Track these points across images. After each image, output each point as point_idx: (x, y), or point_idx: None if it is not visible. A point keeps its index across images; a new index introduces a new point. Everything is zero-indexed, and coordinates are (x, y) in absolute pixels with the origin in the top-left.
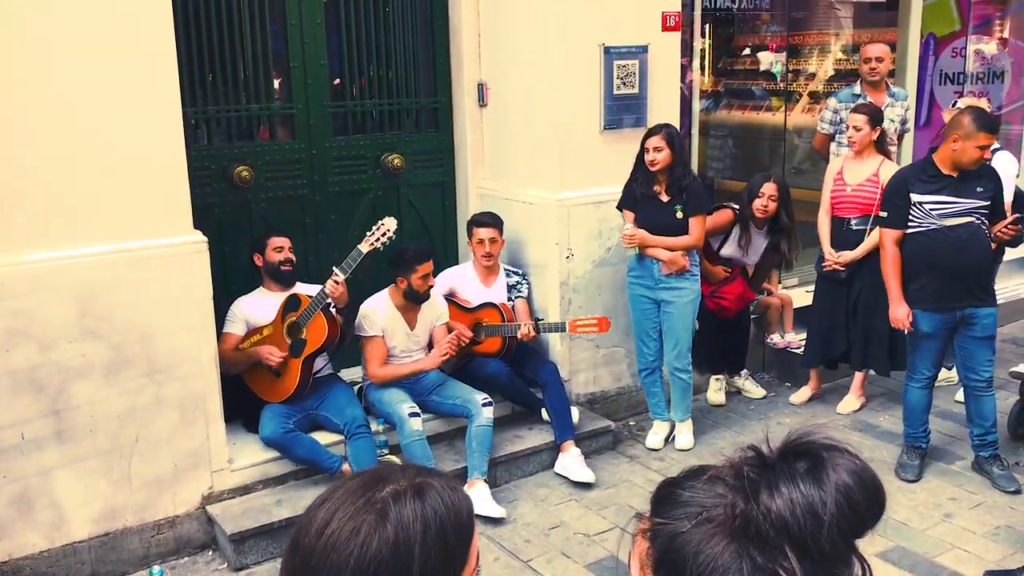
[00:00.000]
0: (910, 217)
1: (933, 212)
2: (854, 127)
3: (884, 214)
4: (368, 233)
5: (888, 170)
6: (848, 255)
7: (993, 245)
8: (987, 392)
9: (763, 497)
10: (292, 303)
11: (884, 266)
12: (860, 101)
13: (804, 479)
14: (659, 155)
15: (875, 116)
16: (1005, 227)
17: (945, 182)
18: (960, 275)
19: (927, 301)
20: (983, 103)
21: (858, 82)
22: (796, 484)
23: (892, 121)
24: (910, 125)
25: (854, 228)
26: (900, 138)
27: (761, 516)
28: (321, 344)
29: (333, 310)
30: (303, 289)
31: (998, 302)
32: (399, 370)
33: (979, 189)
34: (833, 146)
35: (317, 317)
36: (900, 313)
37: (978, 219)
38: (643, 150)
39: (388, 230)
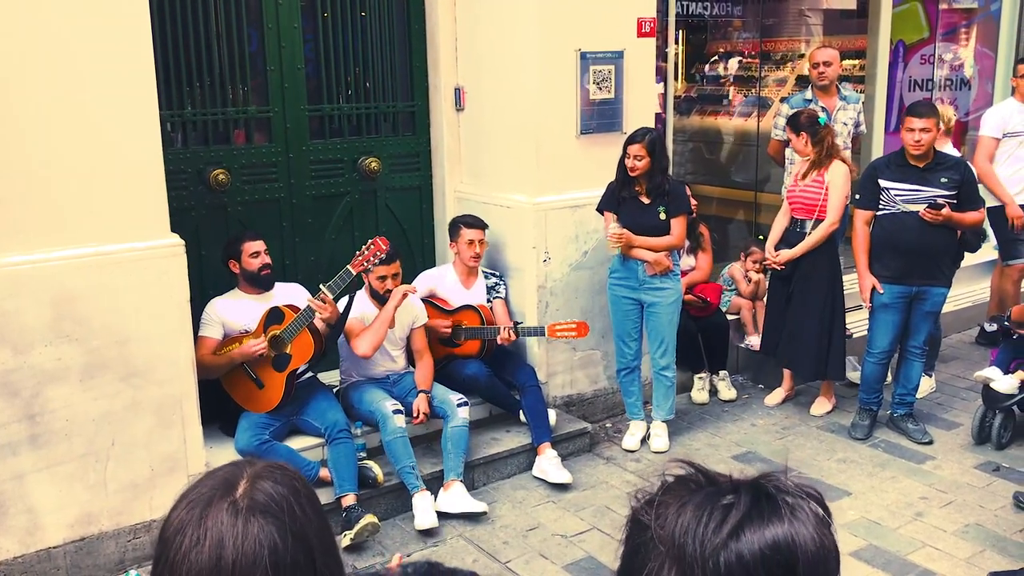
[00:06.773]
0: (880, 202)
1: (897, 198)
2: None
3: (857, 196)
4: (357, 253)
5: (835, 170)
6: (787, 254)
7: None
8: (918, 359)
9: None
10: (275, 315)
11: (855, 243)
12: (812, 106)
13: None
14: (639, 162)
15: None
16: (930, 212)
17: (911, 171)
18: (916, 255)
19: (887, 275)
20: (948, 110)
21: (809, 87)
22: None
23: (845, 124)
24: (864, 128)
25: (798, 230)
26: (855, 140)
27: None
28: (307, 360)
29: (320, 323)
30: (282, 290)
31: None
32: (375, 323)
33: (943, 180)
34: (788, 151)
35: (303, 333)
36: (866, 284)
37: (940, 207)
38: (624, 155)
39: (379, 251)
